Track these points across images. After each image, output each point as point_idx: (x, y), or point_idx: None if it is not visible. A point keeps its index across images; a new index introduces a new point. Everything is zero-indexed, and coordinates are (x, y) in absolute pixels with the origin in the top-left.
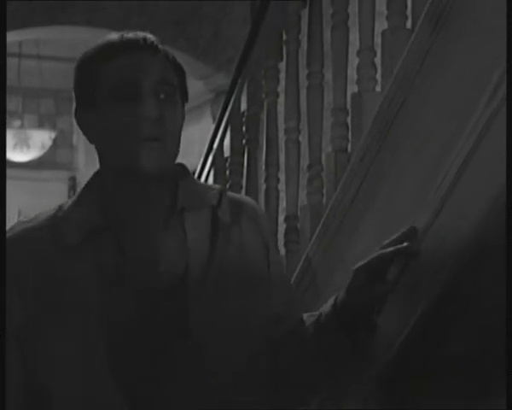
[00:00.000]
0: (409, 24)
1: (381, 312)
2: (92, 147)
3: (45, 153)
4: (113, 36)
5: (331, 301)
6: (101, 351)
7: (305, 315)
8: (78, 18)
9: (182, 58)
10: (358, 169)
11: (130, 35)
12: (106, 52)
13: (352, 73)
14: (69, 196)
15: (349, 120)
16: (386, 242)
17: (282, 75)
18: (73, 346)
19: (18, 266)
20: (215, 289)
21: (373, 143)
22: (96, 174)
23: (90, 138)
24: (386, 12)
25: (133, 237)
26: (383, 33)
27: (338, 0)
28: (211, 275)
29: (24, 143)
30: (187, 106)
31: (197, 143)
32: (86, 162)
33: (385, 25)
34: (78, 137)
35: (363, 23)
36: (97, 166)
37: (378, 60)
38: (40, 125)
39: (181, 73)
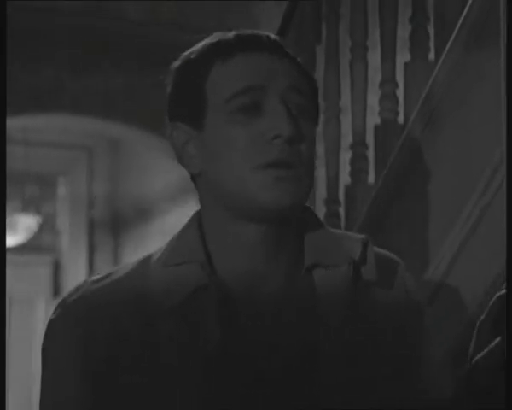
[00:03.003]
0: (401, 118)
1: None
2: (76, 230)
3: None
4: (225, 33)
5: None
6: None
7: None
8: (65, 105)
9: (168, 145)
10: None
11: (249, 32)
12: (219, 51)
13: (344, 164)
14: (53, 281)
15: (341, 209)
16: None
17: None
18: None
19: (88, 333)
20: (358, 371)
21: (367, 229)
22: (196, 215)
23: (193, 166)
24: (378, 107)
25: (244, 299)
26: (376, 128)
27: (330, 95)
28: (351, 352)
29: (10, 228)
30: (172, 190)
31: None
32: (70, 246)
33: (377, 117)
34: (63, 221)
35: (355, 117)
36: (81, 251)
37: (370, 152)
38: (24, 209)
39: (313, 85)
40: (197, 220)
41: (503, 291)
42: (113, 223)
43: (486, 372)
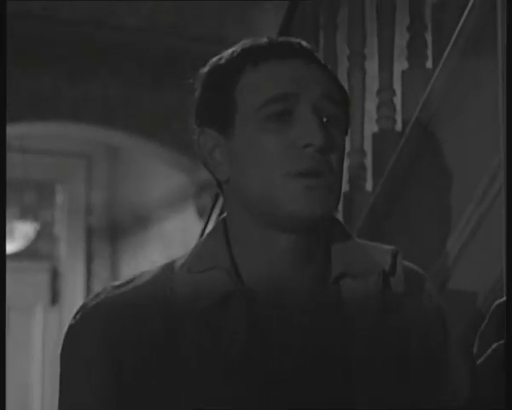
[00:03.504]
0: (398, 126)
1: None
2: (74, 237)
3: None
4: (257, 39)
5: None
6: None
7: None
8: (64, 113)
9: (166, 152)
10: None
11: (282, 39)
12: (250, 57)
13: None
14: (51, 288)
15: (339, 217)
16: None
17: None
18: None
19: (111, 338)
20: (383, 382)
21: (365, 237)
22: (221, 222)
23: (221, 173)
24: (376, 115)
25: (271, 307)
26: (374, 135)
27: None
28: (380, 360)
29: (8, 235)
30: (170, 197)
31: (180, 234)
32: (68, 254)
33: (374, 125)
34: (61, 229)
35: (353, 125)
36: (79, 258)
37: (368, 160)
38: (22, 216)
39: (344, 94)
40: (223, 227)
41: (503, 299)
42: (111, 230)
43: (489, 374)
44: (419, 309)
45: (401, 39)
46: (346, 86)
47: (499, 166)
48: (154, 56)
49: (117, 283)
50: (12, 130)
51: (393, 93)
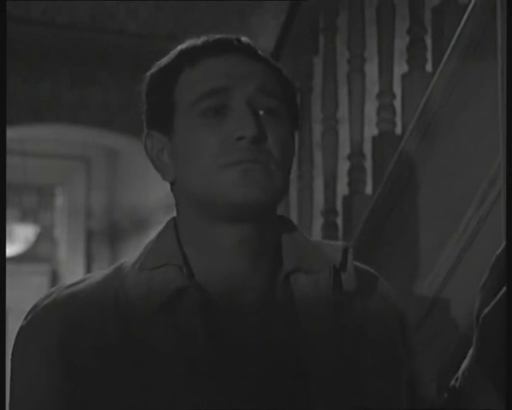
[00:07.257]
0: (398, 129)
1: None
2: (74, 240)
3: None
4: (197, 39)
5: (468, 356)
6: None
7: None
8: (63, 116)
9: None
10: None
11: (220, 36)
12: (188, 56)
13: (341, 175)
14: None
15: (339, 220)
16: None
17: None
18: None
19: (63, 339)
20: (340, 381)
21: (364, 240)
22: (171, 221)
23: (168, 174)
24: (375, 118)
25: (223, 302)
26: (373, 139)
27: (328, 106)
28: (334, 358)
29: (8, 238)
30: (168, 201)
31: None
32: (68, 256)
33: (374, 128)
34: (61, 231)
35: (353, 128)
36: (79, 261)
37: (368, 163)
38: (22, 219)
39: (289, 87)
40: (173, 226)
41: (502, 248)
42: (111, 233)
43: (495, 324)
44: (371, 307)
45: (401, 42)
46: (345, 89)
47: (498, 170)
48: (153, 60)
49: (69, 283)
50: (12, 133)
51: (393, 96)
